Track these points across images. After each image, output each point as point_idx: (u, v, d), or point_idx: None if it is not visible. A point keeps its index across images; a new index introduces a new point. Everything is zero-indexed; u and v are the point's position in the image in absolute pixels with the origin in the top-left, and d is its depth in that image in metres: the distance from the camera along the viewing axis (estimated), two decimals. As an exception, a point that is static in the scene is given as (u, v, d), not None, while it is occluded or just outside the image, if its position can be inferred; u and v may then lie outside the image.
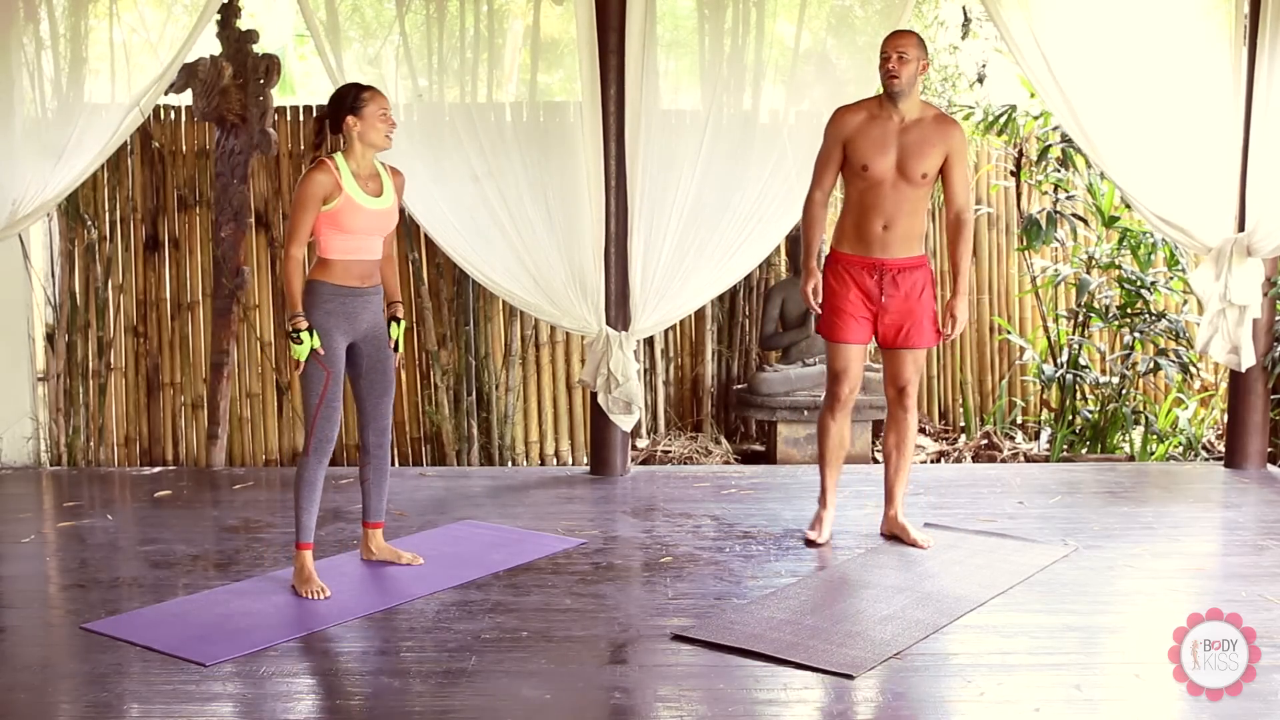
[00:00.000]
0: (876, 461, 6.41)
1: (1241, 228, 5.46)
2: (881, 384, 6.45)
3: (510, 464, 6.44)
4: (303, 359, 3.94)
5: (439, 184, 5.56)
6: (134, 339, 6.35)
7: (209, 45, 6.02)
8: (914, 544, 4.47)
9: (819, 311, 4.50)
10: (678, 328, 6.83)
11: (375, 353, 4.14)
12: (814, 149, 5.56)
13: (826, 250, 4.70)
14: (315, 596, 3.97)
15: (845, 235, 4.43)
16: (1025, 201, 6.93)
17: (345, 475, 5.84)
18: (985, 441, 6.70)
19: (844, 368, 4.44)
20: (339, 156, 4.00)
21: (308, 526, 4.05)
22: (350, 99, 3.99)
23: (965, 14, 7.59)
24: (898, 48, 4.24)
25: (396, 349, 4.23)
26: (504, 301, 6.23)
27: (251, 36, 6.08)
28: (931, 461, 6.54)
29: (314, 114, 6.42)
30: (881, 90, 4.39)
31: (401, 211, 6.12)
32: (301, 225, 3.93)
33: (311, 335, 3.93)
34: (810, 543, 4.52)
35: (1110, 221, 6.64)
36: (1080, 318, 6.71)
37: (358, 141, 3.98)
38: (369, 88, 4.03)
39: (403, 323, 4.28)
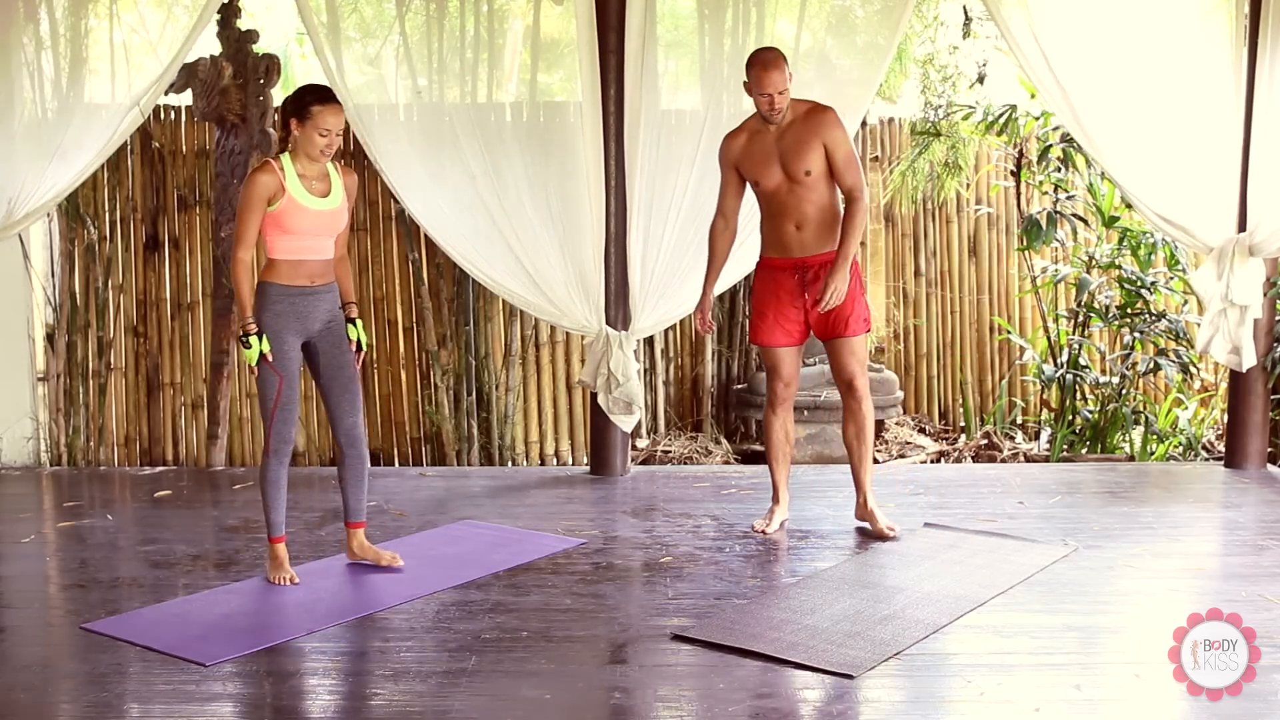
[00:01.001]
0: (876, 461, 6.41)
1: (1243, 227, 5.45)
2: (881, 384, 6.49)
3: (510, 464, 6.43)
4: (253, 363, 3.94)
5: (439, 183, 5.55)
6: (134, 339, 6.36)
7: (209, 45, 6.02)
8: (881, 533, 4.55)
9: (707, 331, 4.78)
10: (677, 328, 6.83)
11: (331, 350, 4.11)
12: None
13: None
14: (282, 582, 4.05)
15: (767, 242, 4.62)
16: (1025, 201, 6.93)
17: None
18: (985, 441, 6.70)
19: (773, 366, 4.65)
20: (285, 157, 3.97)
21: (277, 522, 4.11)
22: (300, 104, 3.94)
23: (966, 13, 7.58)
24: (777, 87, 4.37)
25: (360, 348, 4.20)
26: (504, 301, 6.23)
27: (251, 36, 6.08)
28: (931, 461, 6.54)
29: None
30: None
31: (401, 212, 6.17)
32: (247, 227, 3.92)
33: (261, 340, 3.92)
34: (758, 531, 4.67)
35: (1110, 221, 6.64)
36: (1080, 318, 6.71)
37: (299, 148, 3.96)
38: (323, 100, 3.93)
39: (359, 322, 4.23)
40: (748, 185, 4.61)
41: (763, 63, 4.40)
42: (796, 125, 4.46)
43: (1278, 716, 3.04)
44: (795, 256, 4.51)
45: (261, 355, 3.92)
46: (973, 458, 6.56)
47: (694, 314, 4.78)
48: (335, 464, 4.27)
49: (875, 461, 6.34)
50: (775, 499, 4.78)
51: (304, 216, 3.95)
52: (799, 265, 4.51)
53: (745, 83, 4.48)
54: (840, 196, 4.53)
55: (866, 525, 4.66)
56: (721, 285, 5.77)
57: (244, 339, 3.94)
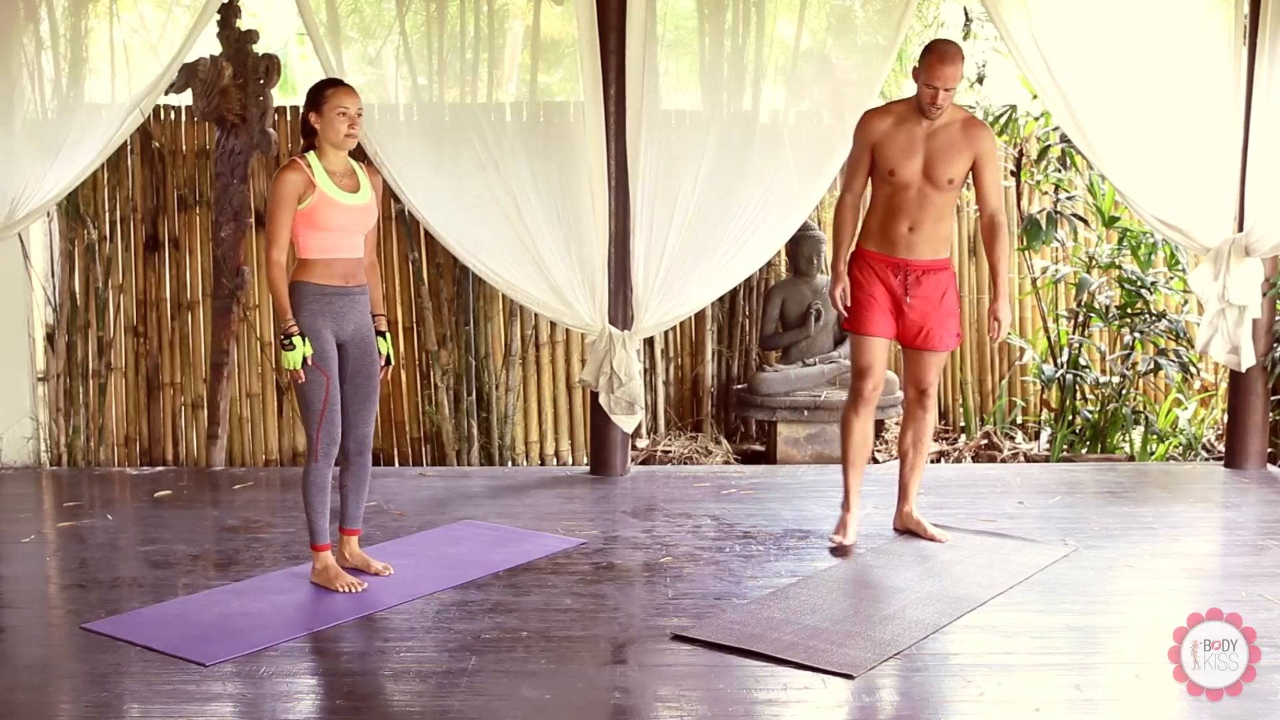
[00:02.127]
0: (876, 461, 6.41)
1: (1241, 228, 5.46)
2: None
3: (510, 464, 6.44)
4: (296, 367, 3.86)
5: (440, 183, 5.55)
6: (134, 339, 6.36)
7: (209, 45, 6.02)
8: (931, 539, 4.51)
9: (845, 313, 4.50)
10: (678, 328, 6.83)
11: (361, 357, 4.06)
12: (814, 149, 5.61)
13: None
14: (350, 590, 3.98)
15: (871, 234, 4.46)
16: (1025, 201, 6.93)
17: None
18: (985, 441, 6.70)
19: (868, 364, 4.42)
20: (311, 155, 3.95)
21: (322, 529, 4.04)
22: (313, 95, 3.94)
23: (966, 14, 7.58)
24: (948, 83, 4.19)
25: (388, 363, 4.18)
26: (504, 301, 6.23)
27: (251, 36, 6.08)
28: (931, 461, 6.54)
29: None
30: (914, 99, 4.35)
31: (402, 212, 6.17)
32: (279, 227, 3.88)
33: (304, 342, 3.88)
34: (838, 548, 4.44)
35: (1110, 221, 6.64)
36: (1080, 318, 6.71)
37: (324, 139, 3.94)
38: (334, 84, 3.95)
39: (388, 335, 4.21)
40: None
41: (940, 54, 4.20)
42: (951, 130, 4.29)
43: (1278, 716, 3.04)
44: (899, 257, 4.36)
45: (305, 358, 3.88)
46: (973, 458, 6.56)
47: (834, 294, 4.50)
48: (339, 468, 4.21)
49: (874, 461, 6.35)
50: (846, 506, 4.58)
51: (336, 212, 3.91)
52: (901, 265, 4.37)
53: (914, 68, 4.29)
54: (954, 212, 4.48)
55: (911, 531, 4.58)
56: (724, 285, 5.79)
57: (286, 341, 3.86)
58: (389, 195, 6.28)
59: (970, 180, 4.49)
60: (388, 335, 4.20)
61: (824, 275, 6.77)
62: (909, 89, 7.55)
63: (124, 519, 5.13)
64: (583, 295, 5.54)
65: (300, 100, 7.72)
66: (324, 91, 3.93)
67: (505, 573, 4.23)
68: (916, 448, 4.56)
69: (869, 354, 4.42)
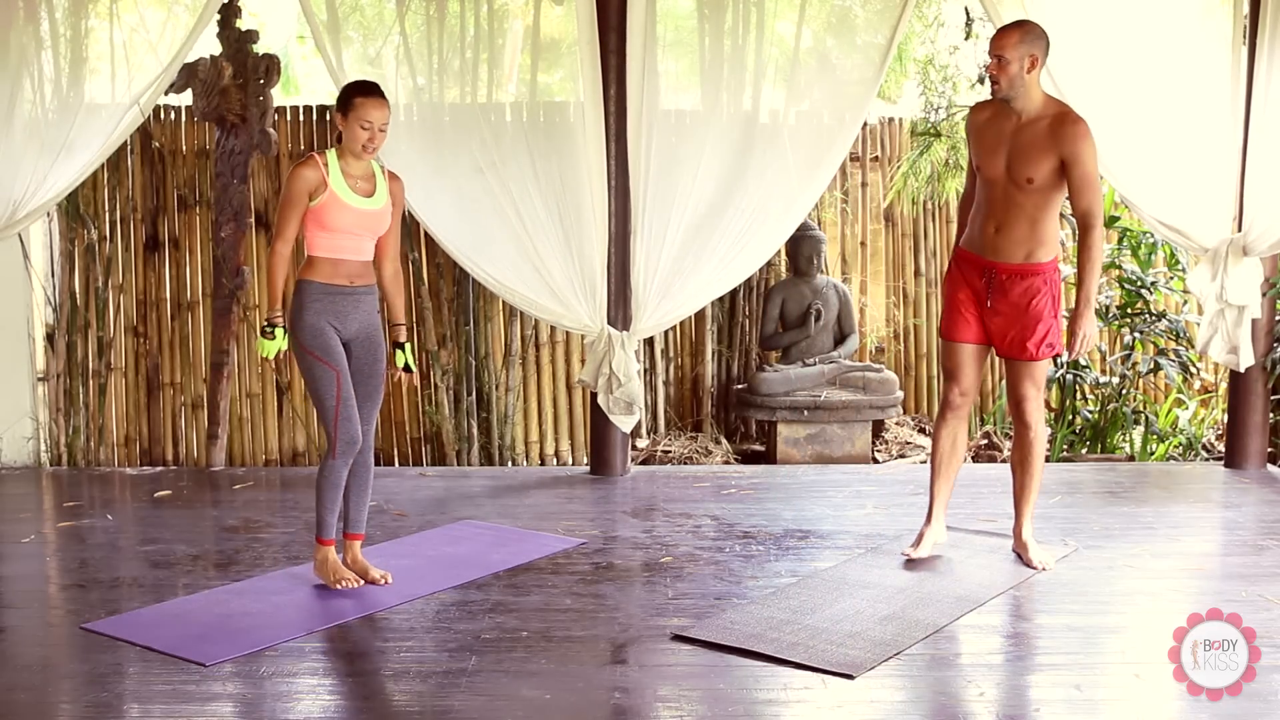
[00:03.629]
0: (876, 461, 6.41)
1: (1240, 228, 5.46)
2: (881, 384, 6.49)
3: (510, 464, 6.44)
4: (270, 356, 3.91)
5: (440, 183, 5.55)
6: (134, 339, 6.36)
7: (209, 45, 6.02)
8: (1030, 565, 4.22)
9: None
10: (678, 328, 6.83)
11: (365, 356, 4.05)
12: (814, 149, 5.60)
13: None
14: (348, 585, 3.98)
15: (967, 231, 4.28)
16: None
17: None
18: (985, 441, 6.70)
19: (953, 367, 4.26)
20: (331, 152, 3.94)
21: (330, 524, 4.02)
22: (343, 97, 3.92)
23: (967, 14, 7.58)
24: (996, 49, 4.03)
25: (408, 370, 4.17)
26: (504, 301, 6.23)
27: (251, 36, 6.08)
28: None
29: (316, 113, 6.45)
30: None
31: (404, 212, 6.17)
32: (288, 222, 3.89)
33: (282, 335, 3.90)
34: (908, 560, 4.29)
35: (1110, 221, 6.64)
36: (1080, 318, 6.70)
37: (344, 142, 3.93)
38: (367, 93, 3.89)
39: (408, 346, 4.20)
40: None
41: (1001, 27, 4.13)
42: (1038, 126, 4.03)
43: (1278, 716, 3.04)
44: (986, 258, 4.13)
45: (311, 352, 3.86)
46: (973, 458, 6.56)
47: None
48: None
49: (874, 461, 6.34)
50: (929, 518, 4.35)
51: (345, 214, 3.89)
52: (987, 267, 4.13)
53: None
54: (1056, 213, 4.10)
55: (1019, 555, 4.35)
56: (724, 286, 5.79)
57: (268, 329, 3.89)
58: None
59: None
60: (407, 346, 4.19)
61: (824, 275, 6.78)
62: (910, 89, 7.58)
63: (124, 519, 5.13)
64: (582, 296, 5.54)
65: (300, 100, 7.75)
66: (353, 98, 3.88)
67: (505, 573, 4.23)
68: (1022, 467, 4.25)
69: (951, 358, 4.26)
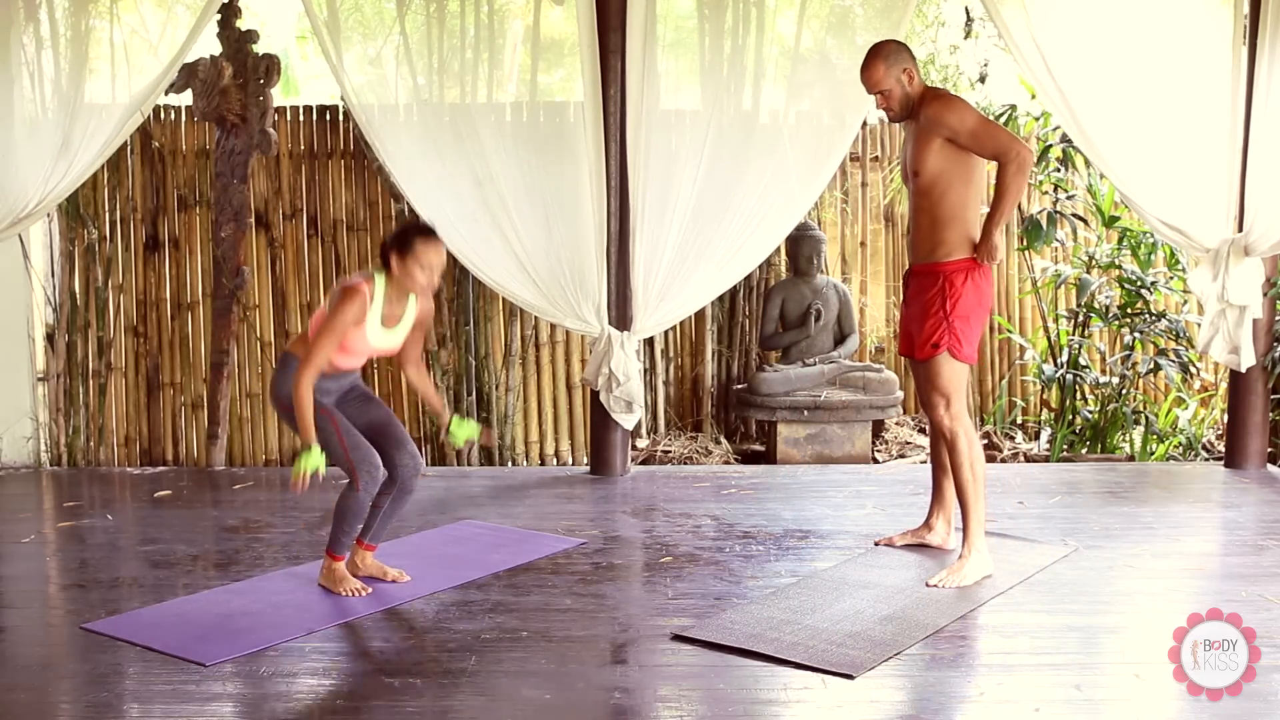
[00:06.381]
0: (876, 461, 6.41)
1: (1241, 228, 5.46)
2: (882, 384, 6.49)
3: (510, 464, 6.44)
4: (318, 468, 3.72)
5: (441, 182, 5.56)
6: (134, 339, 6.36)
7: (209, 45, 6.02)
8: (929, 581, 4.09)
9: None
10: (678, 328, 6.83)
11: (358, 399, 4.08)
12: (814, 149, 5.61)
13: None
14: (355, 594, 3.98)
15: None
16: (1026, 201, 6.93)
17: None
18: (985, 441, 6.69)
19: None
20: (379, 281, 3.88)
21: (345, 544, 4.04)
22: (405, 238, 3.86)
23: (967, 13, 7.59)
24: (872, 89, 4.06)
25: (469, 439, 4.21)
26: (504, 301, 6.23)
27: (251, 36, 6.08)
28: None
29: (316, 113, 6.44)
30: None
31: (402, 212, 6.17)
32: (324, 349, 3.79)
33: (319, 451, 3.76)
34: (892, 548, 4.42)
35: (1110, 221, 6.64)
36: (1080, 318, 6.71)
37: (398, 275, 3.88)
38: (429, 238, 3.85)
39: (454, 422, 4.18)
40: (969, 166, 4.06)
41: (862, 66, 4.08)
42: (917, 119, 4.03)
43: (1278, 716, 3.04)
44: (910, 263, 4.19)
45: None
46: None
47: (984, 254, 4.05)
48: (387, 485, 4.09)
49: (874, 461, 6.34)
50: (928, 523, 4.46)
51: (363, 345, 3.91)
52: (906, 273, 4.23)
53: None
54: (967, 203, 4.03)
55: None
56: (723, 285, 5.80)
57: (302, 449, 3.75)
58: (390, 195, 6.29)
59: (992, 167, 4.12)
60: (454, 426, 4.17)
61: (824, 275, 6.77)
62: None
63: (124, 519, 5.13)
64: (582, 296, 5.54)
65: (301, 100, 7.74)
66: (414, 244, 3.83)
67: (505, 573, 4.23)
68: (952, 468, 4.15)
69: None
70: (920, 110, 4.03)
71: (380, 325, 3.91)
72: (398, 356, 4.15)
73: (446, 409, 4.25)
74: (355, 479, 3.92)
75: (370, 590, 4.03)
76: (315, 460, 3.73)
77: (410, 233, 3.89)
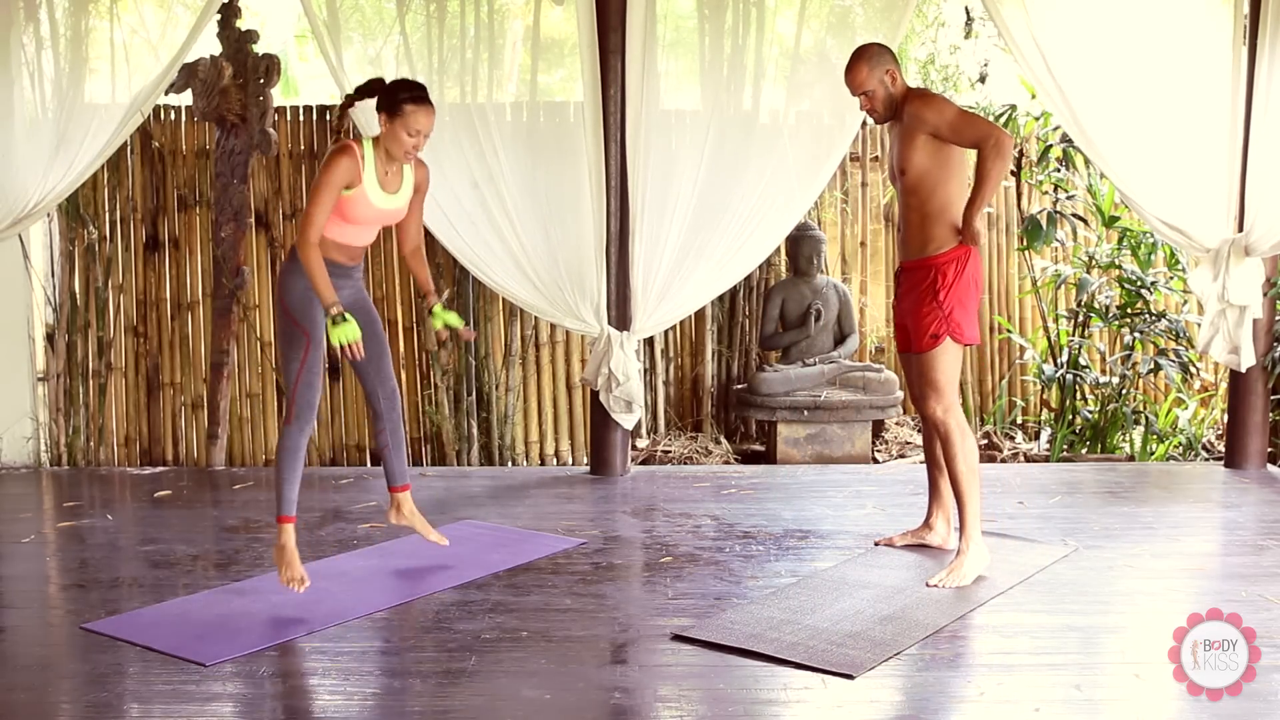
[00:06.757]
0: (876, 461, 6.41)
1: (1241, 228, 5.46)
2: (882, 384, 6.49)
3: (510, 464, 6.44)
4: (354, 339, 3.70)
5: (440, 182, 5.54)
6: (134, 339, 6.36)
7: (209, 45, 6.02)
8: (929, 581, 4.07)
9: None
10: (678, 328, 6.83)
11: (362, 318, 3.97)
12: (814, 149, 5.61)
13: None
14: (294, 587, 3.88)
15: None
16: (1025, 201, 6.93)
17: (345, 475, 5.85)
18: (985, 441, 6.69)
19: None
20: (368, 144, 3.83)
21: (290, 499, 3.91)
22: (394, 98, 3.78)
23: (967, 13, 7.59)
24: (856, 90, 4.12)
25: (449, 327, 4.13)
26: (504, 301, 6.23)
27: (251, 36, 6.08)
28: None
29: (316, 113, 6.44)
30: None
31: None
32: (321, 208, 3.72)
33: (353, 319, 3.73)
34: (891, 547, 4.45)
35: (1110, 221, 6.64)
36: (1080, 318, 6.71)
37: (384, 141, 3.84)
38: (419, 100, 3.76)
39: (439, 306, 4.14)
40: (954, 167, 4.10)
41: (846, 68, 4.14)
42: (902, 119, 4.09)
43: (1278, 716, 3.04)
44: (901, 260, 4.26)
45: (290, 313, 3.78)
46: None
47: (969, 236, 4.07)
48: (375, 433, 4.17)
49: (874, 461, 6.34)
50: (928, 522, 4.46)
51: (368, 210, 3.84)
52: (897, 270, 4.29)
53: None
54: (953, 196, 4.07)
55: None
56: (723, 285, 5.80)
57: (337, 319, 3.70)
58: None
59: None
60: (438, 306, 4.14)
61: (824, 275, 6.77)
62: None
63: (124, 519, 5.13)
64: (582, 296, 5.54)
65: (301, 101, 7.74)
66: (403, 103, 3.76)
67: (505, 573, 4.23)
68: (948, 465, 4.15)
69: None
70: (903, 110, 4.11)
71: (380, 189, 3.85)
72: (399, 236, 4.10)
73: (435, 296, 4.19)
74: (290, 411, 3.90)
75: (308, 585, 3.90)
76: (350, 332, 3.68)
77: (398, 91, 3.77)
